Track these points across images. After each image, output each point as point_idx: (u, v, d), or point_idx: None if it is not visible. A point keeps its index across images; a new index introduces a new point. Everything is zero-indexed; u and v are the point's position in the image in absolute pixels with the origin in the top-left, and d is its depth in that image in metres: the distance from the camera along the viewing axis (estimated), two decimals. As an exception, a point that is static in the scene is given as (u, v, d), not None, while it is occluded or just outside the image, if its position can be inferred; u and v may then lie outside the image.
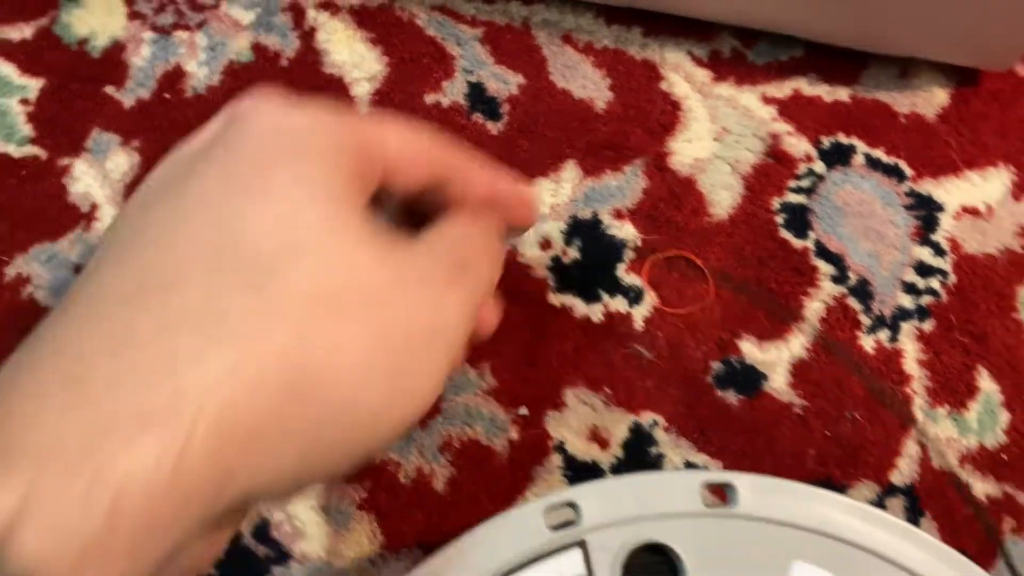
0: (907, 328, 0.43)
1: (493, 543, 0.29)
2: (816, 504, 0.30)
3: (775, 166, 0.46)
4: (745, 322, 0.43)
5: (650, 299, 0.43)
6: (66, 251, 0.42)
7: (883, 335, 0.43)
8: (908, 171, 0.46)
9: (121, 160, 0.43)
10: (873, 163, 0.46)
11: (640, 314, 0.43)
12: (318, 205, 0.21)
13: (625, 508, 0.29)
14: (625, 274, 0.43)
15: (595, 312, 0.43)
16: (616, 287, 0.43)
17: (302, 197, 0.21)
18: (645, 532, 0.29)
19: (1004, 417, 0.42)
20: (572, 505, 0.30)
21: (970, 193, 0.46)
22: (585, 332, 0.42)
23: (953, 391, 0.42)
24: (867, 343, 0.43)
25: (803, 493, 0.30)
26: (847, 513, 0.30)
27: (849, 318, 0.43)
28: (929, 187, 0.46)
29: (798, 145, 0.46)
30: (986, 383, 0.42)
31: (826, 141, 0.46)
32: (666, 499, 0.30)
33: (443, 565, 0.29)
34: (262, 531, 0.38)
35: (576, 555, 0.29)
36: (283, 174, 0.21)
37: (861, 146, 0.46)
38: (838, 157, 0.46)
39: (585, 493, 0.30)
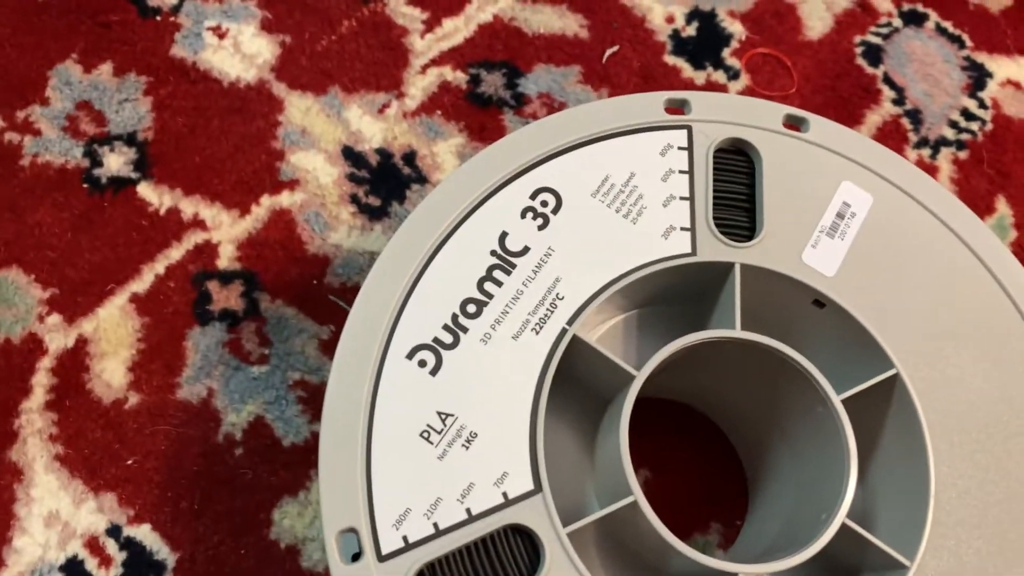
0: (946, 152, 0.52)
1: (618, 111, 0.38)
2: (872, 149, 0.39)
3: (861, 14, 0.55)
4: (817, 114, 0.52)
5: (745, 79, 0.52)
6: (297, -71, 0.52)
7: (925, 152, 0.52)
8: (969, 42, 0.56)
9: None
10: (941, 30, 0.56)
11: (734, 88, 0.52)
12: None
13: (725, 114, 0.38)
14: (728, 56, 0.53)
15: (699, 77, 0.52)
16: (720, 64, 0.52)
17: None
18: (736, 132, 0.38)
19: (1012, 234, 0.51)
20: (685, 102, 0.39)
21: (1016, 71, 0.55)
22: (687, 89, 0.52)
23: (975, 205, 0.51)
24: (911, 155, 0.52)
25: (862, 139, 0.39)
26: (897, 165, 0.39)
27: (900, 133, 0.52)
28: (984, 58, 0.55)
29: (882, 3, 0.56)
30: (1002, 206, 0.51)
31: (906, 6, 0.56)
32: (756, 116, 0.39)
33: (573, 118, 0.38)
34: (409, 158, 0.48)
35: (683, 134, 0.38)
36: None
37: (934, 15, 0.56)
38: (914, 19, 0.56)
39: (697, 96, 0.39)
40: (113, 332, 0.43)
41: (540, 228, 0.36)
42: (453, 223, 0.36)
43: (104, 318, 0.43)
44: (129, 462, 0.40)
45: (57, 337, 0.42)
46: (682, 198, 0.37)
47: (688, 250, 0.36)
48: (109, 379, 0.42)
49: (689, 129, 0.38)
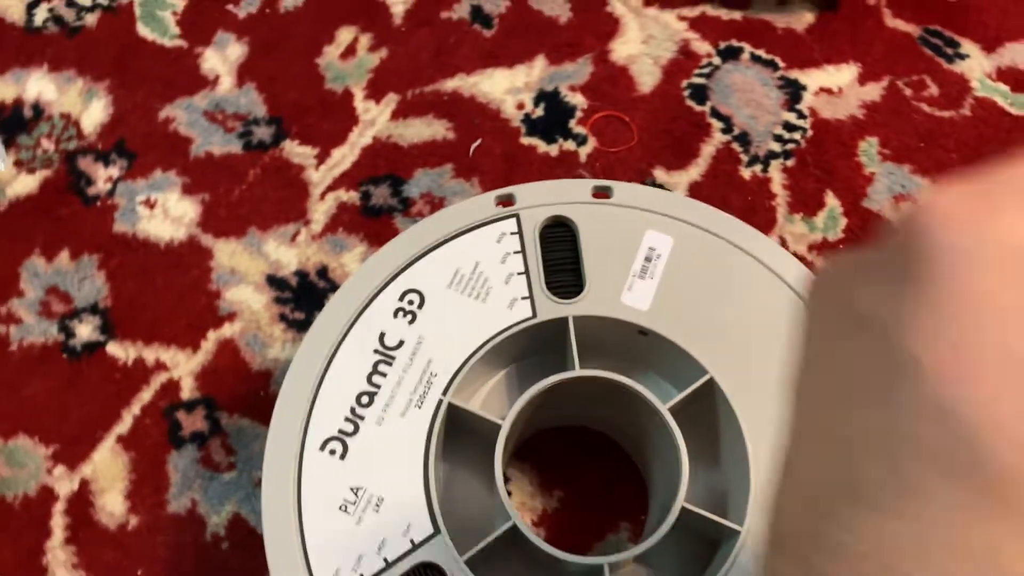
0: (775, 164, 0.61)
1: (458, 216, 0.47)
2: (665, 199, 0.48)
3: (684, 61, 0.65)
4: (658, 158, 0.61)
5: (592, 142, 0.62)
6: (198, 103, 0.62)
7: (757, 168, 0.61)
8: (781, 64, 0.64)
9: (236, 49, 0.64)
10: (756, 59, 0.65)
11: (584, 152, 0.61)
12: None
13: (544, 198, 0.48)
14: (575, 126, 0.62)
15: (553, 150, 0.61)
16: (568, 134, 0.62)
17: None
18: (555, 211, 0.47)
19: (843, 222, 0.59)
20: (511, 195, 0.48)
21: (826, 79, 0.64)
22: (544, 162, 0.61)
23: (806, 204, 0.60)
24: (745, 173, 0.61)
25: (657, 192, 0.48)
26: (688, 206, 0.47)
27: (733, 156, 0.61)
28: (796, 74, 0.64)
29: (702, 47, 0.65)
30: (831, 200, 0.60)
31: (722, 44, 0.65)
32: (569, 194, 0.48)
33: (424, 228, 0.47)
34: (322, 272, 0.57)
35: (513, 222, 0.47)
36: None
37: (748, 48, 0.65)
38: (730, 54, 0.65)
39: (519, 188, 0.48)
40: (108, 470, 0.52)
41: (410, 323, 0.45)
42: (341, 333, 0.45)
43: (99, 460, 0.52)
44: (139, 573, 0.50)
45: (64, 484, 0.52)
46: (519, 273, 0.46)
47: (530, 314, 0.45)
48: (112, 509, 0.51)
49: (517, 217, 0.47)
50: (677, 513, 0.42)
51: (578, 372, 0.44)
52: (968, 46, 0.65)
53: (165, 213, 0.59)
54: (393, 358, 0.45)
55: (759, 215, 0.59)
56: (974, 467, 0.14)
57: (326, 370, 0.44)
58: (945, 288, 0.15)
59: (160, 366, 0.55)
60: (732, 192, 0.60)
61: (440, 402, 0.44)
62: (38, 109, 0.63)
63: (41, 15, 0.66)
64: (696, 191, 0.60)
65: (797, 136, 0.62)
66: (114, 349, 0.55)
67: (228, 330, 0.56)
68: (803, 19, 0.66)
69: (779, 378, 0.43)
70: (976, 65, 0.64)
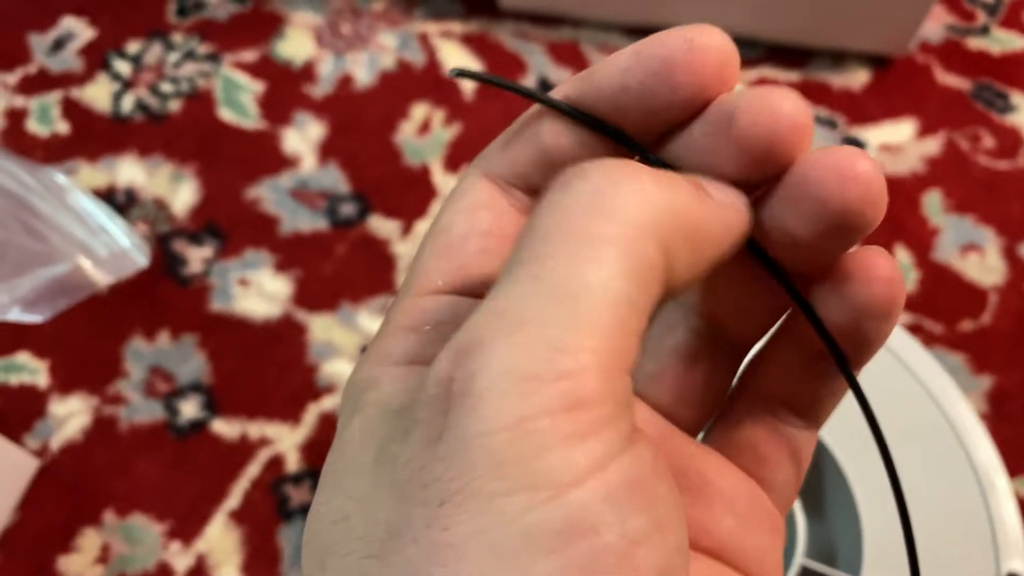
0: (843, 220, 0.63)
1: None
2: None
3: (748, 122, 0.67)
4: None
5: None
6: (282, 182, 0.65)
7: (826, 224, 0.63)
8: (841, 123, 0.67)
9: (316, 129, 0.67)
10: (817, 119, 0.67)
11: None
12: None
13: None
14: (647, 190, 0.64)
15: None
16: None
17: None
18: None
19: (914, 275, 0.61)
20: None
21: (886, 136, 0.66)
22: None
23: (876, 258, 0.62)
24: (815, 230, 0.63)
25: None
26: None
27: (802, 214, 0.63)
28: (856, 132, 0.66)
29: (763, 109, 0.68)
30: (901, 254, 0.62)
31: (782, 105, 0.68)
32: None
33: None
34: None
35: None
36: None
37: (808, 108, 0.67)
38: (791, 115, 0.67)
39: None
40: (221, 545, 0.54)
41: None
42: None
43: (212, 536, 0.54)
44: (258, 646, 0.51)
45: (181, 559, 0.54)
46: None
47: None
48: (227, 583, 0.53)
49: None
50: (797, 571, 0.43)
51: (690, 436, 0.46)
52: (1017, 97, 0.68)
53: (260, 291, 0.61)
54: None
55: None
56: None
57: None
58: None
59: (264, 441, 0.57)
60: (804, 249, 0.62)
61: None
62: (130, 195, 0.65)
63: (128, 103, 0.69)
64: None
65: (862, 191, 0.64)
66: (219, 426, 0.57)
67: (328, 402, 0.58)
68: (858, 77, 0.69)
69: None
70: (1028, 116, 0.67)
